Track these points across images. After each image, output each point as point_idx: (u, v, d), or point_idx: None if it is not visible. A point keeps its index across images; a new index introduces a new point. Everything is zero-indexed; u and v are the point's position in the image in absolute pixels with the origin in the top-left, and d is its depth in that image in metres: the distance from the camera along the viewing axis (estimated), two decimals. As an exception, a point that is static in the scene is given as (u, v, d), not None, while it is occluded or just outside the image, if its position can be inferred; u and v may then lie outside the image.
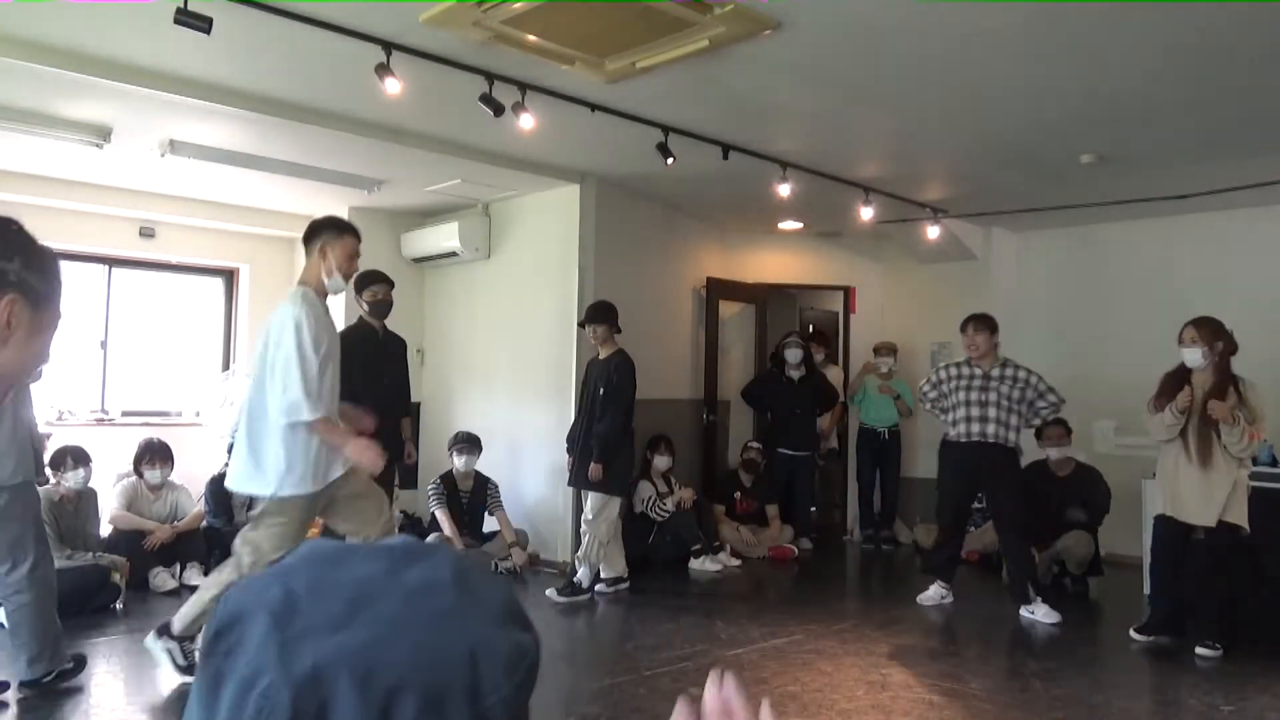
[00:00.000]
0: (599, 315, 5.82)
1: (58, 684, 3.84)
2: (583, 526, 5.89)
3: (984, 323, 5.59)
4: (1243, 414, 4.59)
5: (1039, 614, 5.35)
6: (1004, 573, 6.01)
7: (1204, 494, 4.69)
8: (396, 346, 5.79)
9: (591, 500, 5.78)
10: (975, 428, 5.50)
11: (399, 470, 5.89)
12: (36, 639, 3.77)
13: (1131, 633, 4.98)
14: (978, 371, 5.57)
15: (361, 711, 0.46)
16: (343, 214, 7.31)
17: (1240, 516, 4.69)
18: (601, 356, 5.87)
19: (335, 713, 0.46)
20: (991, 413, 5.47)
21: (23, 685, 3.79)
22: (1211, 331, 4.73)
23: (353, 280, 5.65)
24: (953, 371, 5.68)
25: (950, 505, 5.80)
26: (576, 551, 5.95)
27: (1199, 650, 4.67)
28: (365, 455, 3.75)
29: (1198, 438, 4.71)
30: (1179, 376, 4.84)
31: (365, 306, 5.62)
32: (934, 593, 5.77)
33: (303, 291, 3.80)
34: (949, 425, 5.65)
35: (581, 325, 6.03)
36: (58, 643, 3.86)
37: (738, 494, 7.42)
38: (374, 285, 5.60)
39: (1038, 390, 5.52)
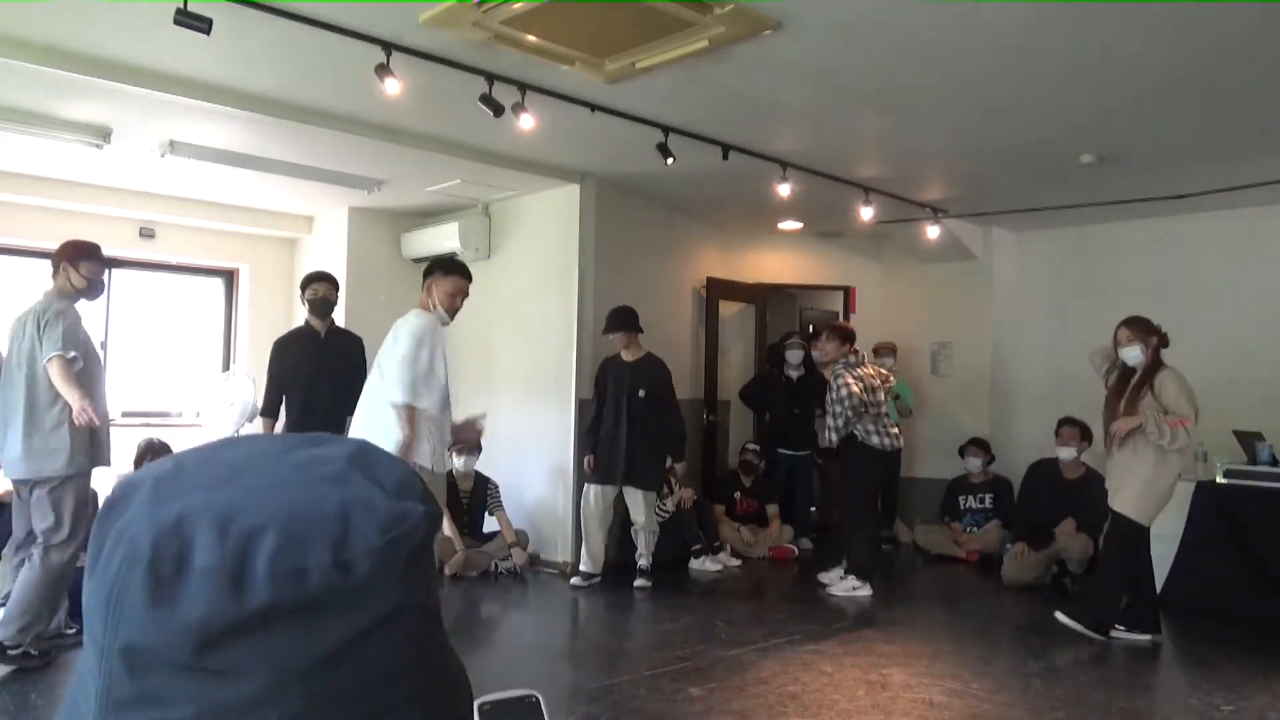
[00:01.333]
0: (622, 323, 6.13)
1: (17, 660, 4.06)
2: (635, 527, 6.17)
3: (834, 332, 6.14)
4: (1152, 413, 4.71)
5: (842, 586, 5.92)
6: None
7: (1112, 481, 4.97)
8: (345, 345, 5.67)
9: (645, 498, 6.14)
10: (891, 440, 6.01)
11: None
12: (18, 607, 4.06)
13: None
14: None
15: (218, 550, 0.46)
16: (342, 214, 7.38)
17: (1127, 505, 4.82)
18: (627, 358, 6.15)
19: (194, 552, 0.47)
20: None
21: None
22: (1144, 328, 4.90)
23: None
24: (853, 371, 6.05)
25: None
26: (637, 553, 6.18)
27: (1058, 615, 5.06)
28: None
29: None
30: (1123, 378, 4.99)
31: (305, 306, 5.62)
32: (849, 584, 5.98)
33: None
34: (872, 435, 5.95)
35: (605, 333, 6.21)
36: (33, 627, 4.09)
37: (737, 494, 7.42)
38: (313, 284, 5.62)
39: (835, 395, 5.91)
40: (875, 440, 5.90)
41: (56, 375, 4.05)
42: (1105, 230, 7.57)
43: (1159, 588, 5.21)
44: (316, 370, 5.43)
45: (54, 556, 4.12)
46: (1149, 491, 4.79)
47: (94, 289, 4.35)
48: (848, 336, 6.11)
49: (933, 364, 8.22)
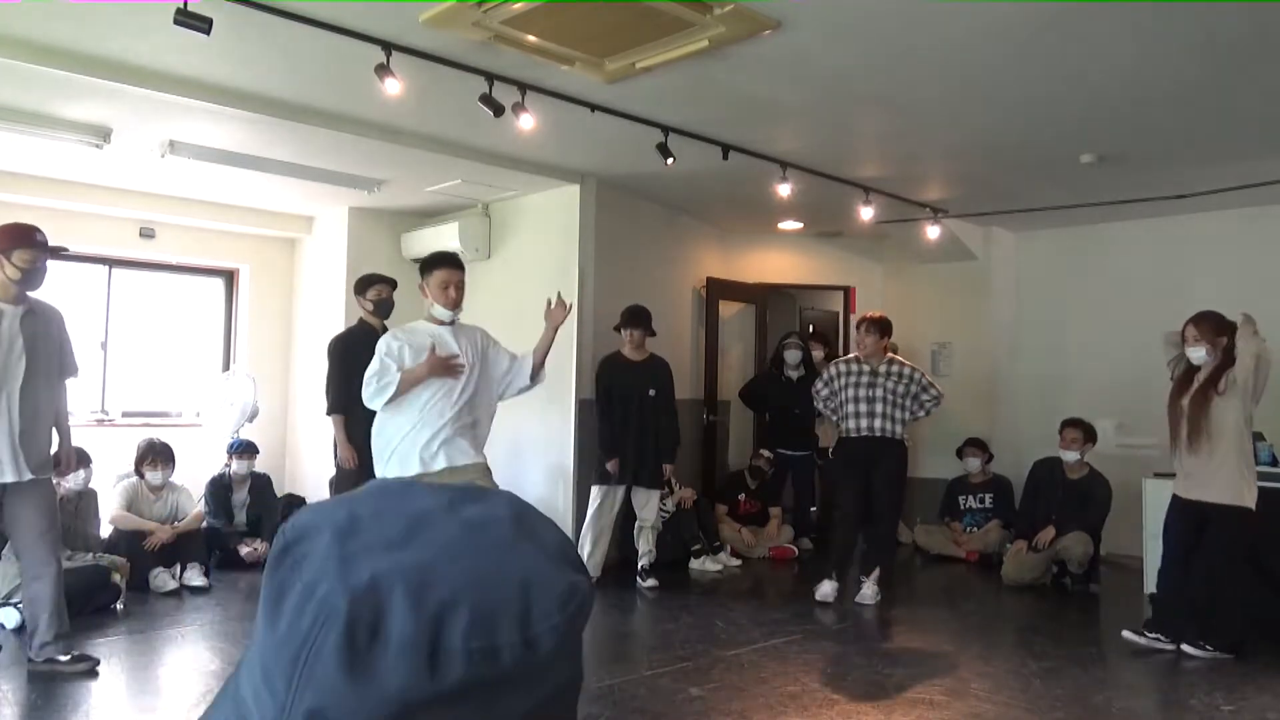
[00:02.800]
0: (645, 321, 6.18)
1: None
2: (641, 526, 6.21)
3: (875, 325, 5.87)
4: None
5: (866, 594, 5.68)
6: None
7: (1196, 479, 4.69)
8: None
9: (653, 497, 6.22)
10: (864, 423, 5.74)
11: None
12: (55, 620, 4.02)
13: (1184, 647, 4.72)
14: (865, 369, 5.81)
15: (414, 621, 0.47)
16: (342, 214, 7.38)
17: (1235, 494, 4.58)
18: (634, 358, 6.17)
19: (390, 621, 0.47)
20: (879, 408, 5.72)
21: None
22: (1213, 329, 4.72)
23: (354, 282, 5.78)
24: (843, 369, 5.90)
25: (846, 498, 5.89)
26: (641, 551, 6.22)
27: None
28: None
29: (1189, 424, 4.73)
30: (1189, 374, 4.84)
31: (369, 306, 5.66)
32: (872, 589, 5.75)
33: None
34: (840, 421, 5.90)
35: (619, 329, 6.20)
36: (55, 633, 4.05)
37: (742, 495, 7.41)
38: (377, 285, 5.69)
39: (920, 385, 5.76)
40: (906, 442, 5.88)
41: None
42: (1105, 230, 7.57)
43: (1157, 587, 5.18)
44: None
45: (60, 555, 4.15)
46: (1251, 473, 4.60)
47: (31, 278, 3.90)
48: (886, 329, 5.92)
49: (933, 364, 8.21)
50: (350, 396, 5.32)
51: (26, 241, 3.88)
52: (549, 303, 4.61)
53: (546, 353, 4.57)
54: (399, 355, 4.21)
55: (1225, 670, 4.45)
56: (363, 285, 5.72)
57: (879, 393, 5.73)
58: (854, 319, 8.49)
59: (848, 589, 5.81)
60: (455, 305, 4.32)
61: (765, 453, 7.51)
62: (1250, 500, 4.60)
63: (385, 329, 5.65)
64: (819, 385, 6.08)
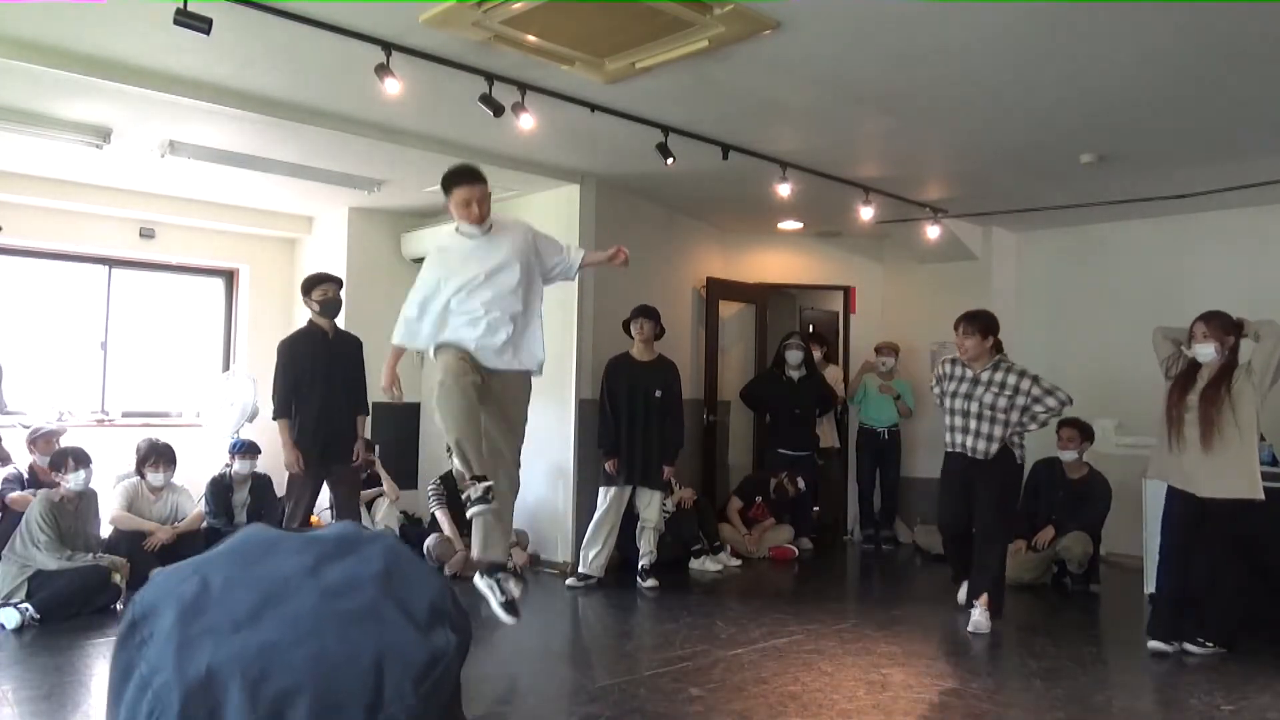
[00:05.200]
0: (654, 313, 6.21)
1: None
2: (644, 526, 6.19)
3: (974, 323, 5.11)
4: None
5: (976, 616, 5.07)
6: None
7: (1202, 473, 4.65)
8: (348, 346, 5.62)
9: (656, 497, 6.20)
10: (959, 438, 5.16)
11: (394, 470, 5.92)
12: None
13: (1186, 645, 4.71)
14: (968, 374, 5.15)
15: (250, 717, 0.45)
16: (342, 215, 7.38)
17: (1247, 487, 4.55)
18: (641, 358, 6.18)
19: (225, 717, 0.45)
20: (973, 424, 5.08)
21: None
22: (1222, 327, 4.70)
23: (300, 283, 5.71)
24: (949, 370, 5.29)
25: (945, 514, 5.47)
26: (643, 552, 6.21)
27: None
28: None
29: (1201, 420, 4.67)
30: (1190, 371, 4.81)
31: (315, 306, 5.51)
32: (981, 615, 5.11)
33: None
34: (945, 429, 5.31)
35: (627, 326, 6.22)
36: None
37: (759, 498, 7.40)
38: (323, 284, 5.54)
39: (1031, 395, 4.99)
40: (1020, 454, 5.18)
41: None
42: (1105, 230, 7.57)
43: (1156, 587, 5.17)
44: (330, 370, 5.42)
45: None
46: (1256, 465, 4.59)
47: None
48: (989, 326, 5.13)
49: (933, 364, 8.21)
50: (298, 399, 5.35)
51: None
52: (619, 251, 4.42)
53: (594, 265, 4.58)
54: (435, 284, 4.06)
55: (1225, 670, 4.45)
56: (309, 286, 5.56)
57: (974, 407, 5.05)
58: (854, 319, 8.53)
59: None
60: (481, 220, 4.08)
61: (801, 481, 7.41)
62: (1260, 491, 4.60)
63: (335, 329, 5.61)
64: (932, 384, 5.49)
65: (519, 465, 4.22)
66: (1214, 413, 4.62)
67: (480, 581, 3.87)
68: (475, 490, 3.77)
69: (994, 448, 5.04)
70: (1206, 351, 4.72)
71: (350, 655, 0.48)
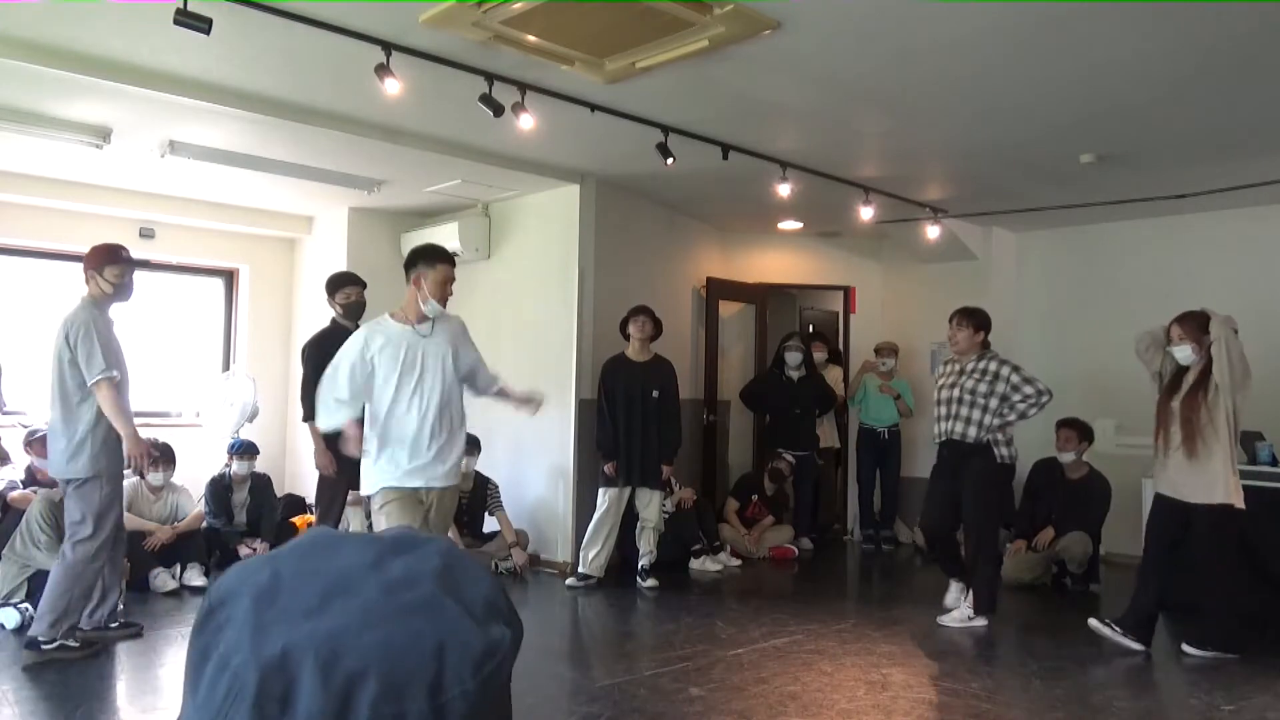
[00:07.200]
0: (650, 310, 6.21)
1: (53, 653, 4.20)
2: (644, 526, 6.19)
3: (968, 317, 5.25)
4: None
5: (967, 617, 5.18)
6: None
7: (1191, 482, 4.68)
8: None
9: (655, 498, 6.19)
10: (943, 425, 5.23)
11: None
12: (48, 604, 4.22)
13: (1185, 647, 4.74)
14: (956, 366, 5.29)
15: (322, 695, 0.48)
16: (342, 215, 7.38)
17: (1234, 494, 4.60)
18: (638, 359, 6.18)
19: (298, 694, 0.48)
20: (954, 409, 5.16)
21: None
22: (1197, 327, 4.71)
23: (325, 282, 5.66)
24: (943, 367, 5.47)
25: (927, 515, 5.44)
26: (643, 552, 6.21)
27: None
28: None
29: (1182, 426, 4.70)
30: (1178, 376, 4.84)
31: (339, 309, 5.48)
32: (959, 610, 5.28)
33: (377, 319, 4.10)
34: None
35: (624, 327, 6.22)
36: (63, 621, 4.24)
37: (755, 496, 7.40)
38: (347, 287, 5.53)
39: (1010, 383, 5.07)
40: (1005, 451, 5.18)
41: (107, 402, 4.19)
42: (1105, 230, 7.57)
43: (1136, 588, 5.16)
44: None
45: (76, 551, 4.25)
46: (1230, 472, 4.61)
47: (123, 292, 4.41)
48: (981, 322, 5.24)
49: (933, 364, 8.20)
50: None
51: (115, 259, 4.37)
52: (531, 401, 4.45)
53: (507, 399, 4.40)
54: (360, 365, 3.90)
55: (1225, 670, 4.45)
56: (333, 286, 5.53)
57: (956, 393, 5.17)
58: (854, 319, 8.53)
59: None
60: (446, 303, 4.08)
61: (788, 456, 7.43)
62: (1240, 499, 4.64)
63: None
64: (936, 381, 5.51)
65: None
66: (1194, 419, 4.65)
67: None
68: None
69: (973, 431, 5.11)
70: (1184, 353, 4.75)
71: (413, 642, 0.51)
